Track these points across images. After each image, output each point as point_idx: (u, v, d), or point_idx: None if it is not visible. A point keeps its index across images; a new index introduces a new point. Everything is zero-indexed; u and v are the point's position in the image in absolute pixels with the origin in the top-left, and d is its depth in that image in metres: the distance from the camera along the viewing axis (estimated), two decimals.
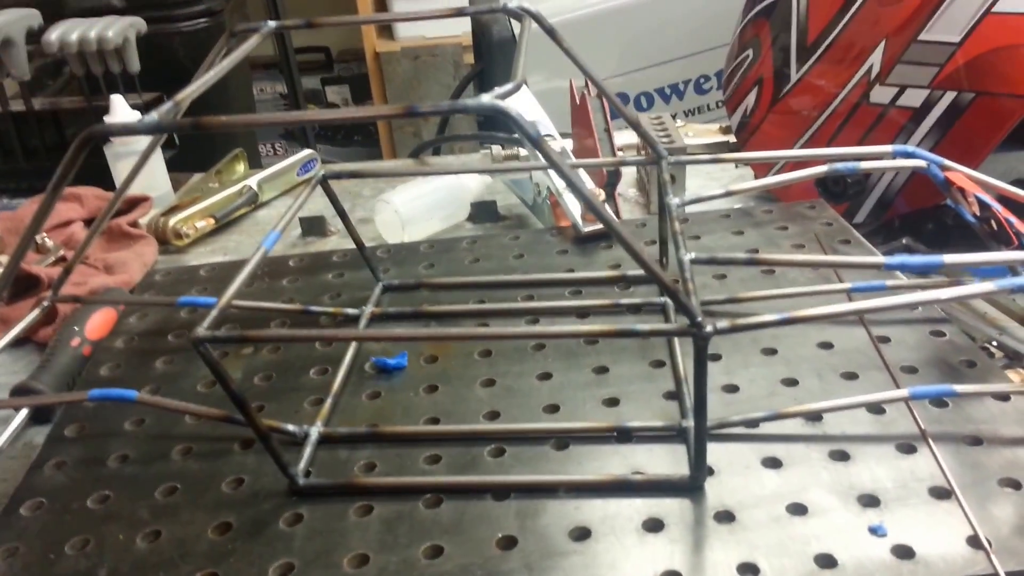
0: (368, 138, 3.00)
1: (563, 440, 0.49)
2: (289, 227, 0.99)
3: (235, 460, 0.52)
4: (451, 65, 2.76)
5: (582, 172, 0.77)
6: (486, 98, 0.37)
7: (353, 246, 0.80)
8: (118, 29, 1.04)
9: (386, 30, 2.68)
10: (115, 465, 0.53)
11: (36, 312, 0.67)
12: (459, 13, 0.59)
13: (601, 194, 0.71)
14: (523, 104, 0.85)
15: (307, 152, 1.13)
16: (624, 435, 0.49)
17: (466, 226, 0.94)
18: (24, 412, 0.68)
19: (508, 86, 0.39)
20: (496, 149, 1.05)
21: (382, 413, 0.54)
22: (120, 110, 1.01)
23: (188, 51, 1.49)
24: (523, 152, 1.04)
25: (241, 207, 1.03)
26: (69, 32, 1.05)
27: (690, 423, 0.48)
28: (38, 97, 1.22)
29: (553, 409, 0.52)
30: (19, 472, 0.63)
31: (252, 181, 1.05)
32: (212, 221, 0.99)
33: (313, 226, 0.98)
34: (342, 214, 0.67)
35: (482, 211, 0.93)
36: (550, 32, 0.54)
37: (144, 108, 1.07)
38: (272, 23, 0.56)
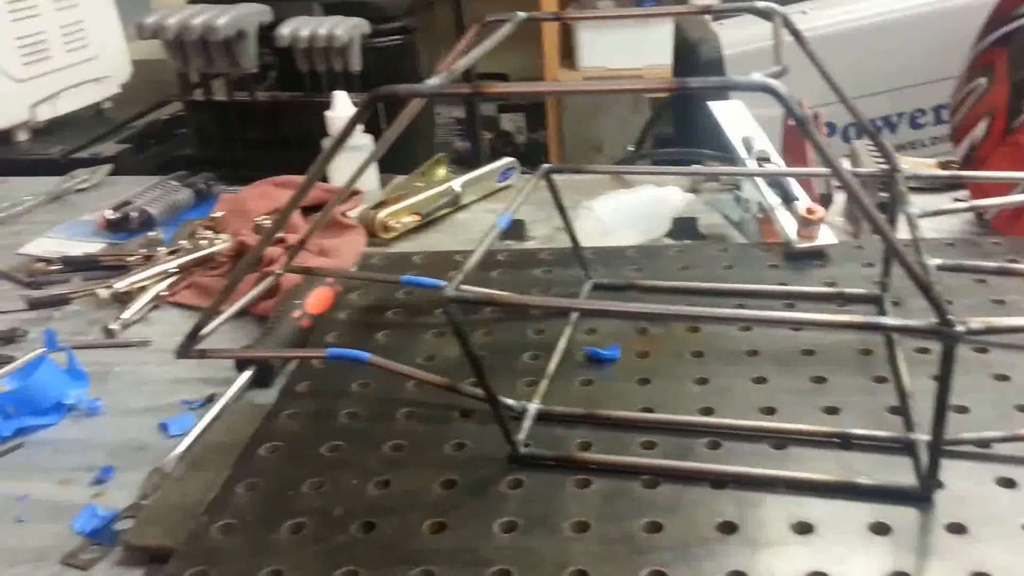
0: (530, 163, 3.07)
1: (781, 440, 0.51)
2: (486, 231, 1.06)
3: (456, 427, 0.57)
4: (630, 98, 2.80)
5: (796, 186, 0.78)
6: (756, 76, 0.40)
7: (558, 246, 0.85)
8: (346, 28, 1.13)
9: (568, 59, 2.75)
10: (345, 420, 0.58)
11: (268, 280, 0.75)
12: (707, 11, 0.62)
13: (821, 210, 0.72)
14: (740, 118, 0.87)
15: (508, 160, 1.19)
16: (846, 441, 0.51)
17: (664, 241, 0.97)
18: (248, 373, 0.75)
19: (775, 68, 0.42)
20: (698, 168, 1.07)
21: (594, 398, 0.58)
22: (342, 105, 1.10)
23: (380, 65, 1.60)
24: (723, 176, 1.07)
25: (444, 207, 1.10)
26: (301, 27, 1.15)
27: (918, 436, 0.49)
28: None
29: (769, 411, 0.54)
30: (244, 427, 0.70)
31: (455, 183, 1.12)
32: (417, 217, 1.06)
33: (513, 230, 1.03)
34: (561, 208, 0.71)
35: (683, 227, 0.95)
36: (795, 34, 0.57)
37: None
38: (522, 13, 0.60)
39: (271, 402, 0.72)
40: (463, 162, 2.73)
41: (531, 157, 3.23)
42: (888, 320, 0.42)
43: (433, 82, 0.46)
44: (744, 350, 0.61)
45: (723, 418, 0.54)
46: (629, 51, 2.49)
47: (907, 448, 0.49)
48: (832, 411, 0.54)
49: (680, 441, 0.53)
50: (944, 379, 0.42)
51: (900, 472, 0.48)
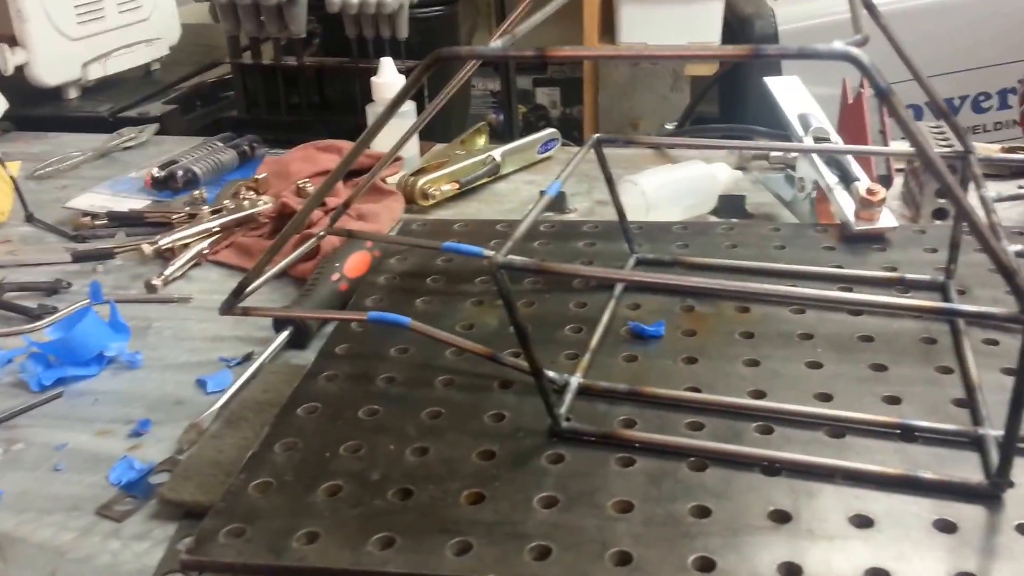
0: (573, 143, 3.04)
1: (838, 428, 0.48)
2: (526, 201, 1.02)
3: (495, 397, 0.54)
4: (670, 75, 2.74)
5: (855, 166, 0.74)
6: (838, 44, 0.37)
7: (602, 219, 0.81)
8: None
9: (608, 33, 2.69)
10: (383, 385, 0.56)
11: (310, 242, 0.72)
12: None
13: (882, 191, 0.68)
14: (797, 94, 0.83)
15: (550, 131, 1.16)
16: (908, 433, 0.47)
17: (710, 219, 0.93)
18: (285, 333, 0.73)
19: (857, 37, 0.39)
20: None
21: (639, 375, 0.55)
22: (388, 71, 1.06)
23: (421, 34, 1.56)
24: (775, 153, 1.02)
25: (483, 176, 1.06)
26: None
27: (987, 431, 0.46)
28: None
29: (825, 398, 0.51)
30: (281, 386, 0.67)
31: (496, 153, 1.09)
32: (456, 185, 1.03)
33: (554, 201, 0.99)
34: (609, 180, 0.68)
35: (729, 205, 0.92)
36: (870, 7, 0.53)
37: (407, 73, 1.12)
38: None
39: (308, 363, 0.70)
40: (496, 135, 2.70)
41: (565, 132, 3.17)
42: (964, 306, 0.38)
43: (496, 45, 0.43)
44: (798, 333, 0.57)
45: (776, 402, 0.50)
46: (674, 27, 2.42)
47: (975, 443, 0.46)
48: (893, 401, 0.50)
49: (730, 424, 0.49)
50: (1022, 372, 0.38)
51: (966, 468, 0.44)
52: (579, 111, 3.12)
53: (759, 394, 0.51)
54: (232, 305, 0.58)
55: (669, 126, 2.85)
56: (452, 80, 0.71)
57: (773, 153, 0.98)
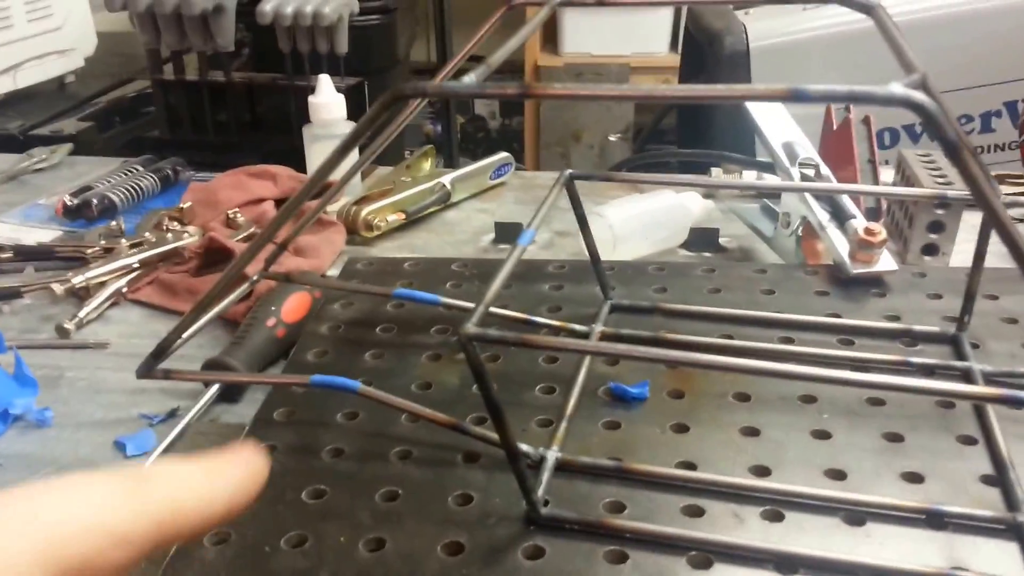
0: (512, 154, 3.01)
1: (857, 514, 0.43)
2: (479, 232, 0.97)
3: (460, 473, 0.48)
4: (614, 84, 2.71)
5: (848, 202, 0.70)
6: (896, 87, 0.32)
7: (568, 257, 0.76)
8: (334, 6, 1.04)
9: (551, 43, 2.66)
10: (329, 459, 0.49)
11: (244, 288, 0.65)
12: None
13: (883, 232, 0.64)
14: (779, 118, 0.79)
15: (503, 155, 1.11)
16: (936, 520, 0.42)
17: (679, 253, 0.89)
18: (215, 387, 0.67)
19: (914, 76, 0.34)
20: (716, 172, 0.99)
21: (623, 447, 0.49)
22: (326, 90, 1.00)
23: (359, 45, 1.50)
24: (747, 177, 0.99)
25: (432, 205, 1.01)
26: (285, 4, 1.05)
27: None
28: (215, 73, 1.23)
29: (838, 475, 0.46)
30: (209, 449, 0.61)
31: (446, 179, 1.03)
32: (403, 216, 0.97)
33: (508, 233, 0.94)
34: (581, 220, 0.63)
35: (702, 239, 0.87)
36: (885, 29, 0.48)
37: (347, 92, 1.06)
38: None
39: (241, 420, 0.64)
40: (433, 143, 2.64)
41: (505, 144, 3.14)
42: (1020, 393, 0.33)
43: (470, 80, 0.38)
44: (799, 396, 0.52)
45: (782, 482, 0.45)
46: (619, 37, 2.41)
47: (1012, 531, 0.41)
48: (914, 479, 0.45)
49: (733, 508, 0.44)
50: None
51: (1005, 562, 0.40)
52: (519, 122, 3.09)
53: (763, 471, 0.47)
54: (151, 368, 0.52)
55: (613, 138, 2.82)
56: (404, 109, 0.65)
57: (744, 179, 0.95)
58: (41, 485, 0.22)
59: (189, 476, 0.24)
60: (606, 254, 0.84)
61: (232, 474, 0.25)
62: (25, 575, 0.20)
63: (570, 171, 0.60)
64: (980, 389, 0.38)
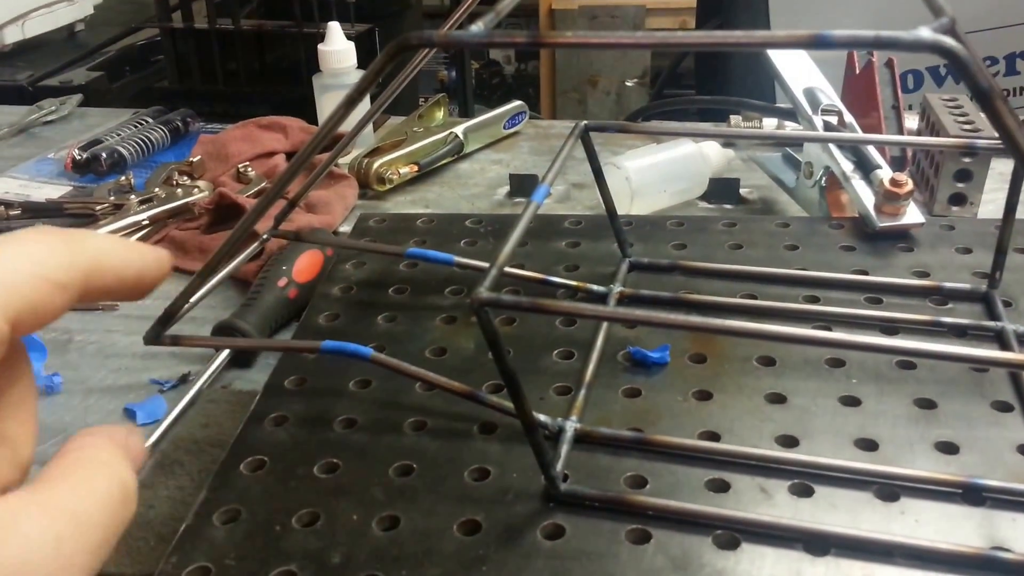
0: (527, 102, 2.97)
1: (890, 488, 0.41)
2: (493, 184, 0.94)
3: (476, 446, 0.46)
4: (631, 29, 2.65)
5: (874, 151, 0.67)
6: (925, 32, 0.29)
7: (585, 211, 0.73)
8: None
9: None
10: (341, 430, 0.48)
11: (254, 247, 0.63)
12: None
13: (909, 182, 0.61)
14: (801, 63, 0.75)
15: (516, 103, 1.07)
16: (974, 494, 0.40)
17: (699, 205, 0.85)
18: (225, 353, 0.65)
19: (943, 20, 0.31)
20: (735, 120, 0.96)
21: (644, 416, 0.47)
22: (336, 37, 0.97)
23: None
24: (767, 125, 0.95)
25: (445, 156, 0.98)
26: None
27: None
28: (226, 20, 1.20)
29: (870, 445, 0.44)
30: (222, 419, 0.59)
31: (459, 130, 1.00)
32: (415, 168, 0.94)
33: (523, 185, 0.91)
34: (597, 174, 0.60)
35: (722, 189, 0.84)
36: None
37: (356, 39, 1.02)
38: None
39: (254, 387, 0.62)
40: (448, 92, 2.59)
41: (520, 90, 3.08)
42: None
43: (478, 28, 0.35)
44: (826, 359, 0.50)
45: (811, 454, 0.43)
46: None
47: None
48: (949, 449, 0.43)
49: (760, 482, 0.42)
50: None
51: None
52: (535, 67, 3.02)
53: (790, 441, 0.44)
54: (159, 334, 0.50)
55: (630, 83, 2.76)
56: (415, 57, 0.62)
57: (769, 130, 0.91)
58: None
59: (110, 241, 0.27)
60: (623, 207, 0.81)
61: (143, 249, 0.28)
62: None
63: (585, 123, 0.57)
64: (1017, 356, 0.36)
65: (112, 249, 0.27)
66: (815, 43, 0.30)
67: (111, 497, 0.24)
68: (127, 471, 0.25)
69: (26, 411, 0.26)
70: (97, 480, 0.24)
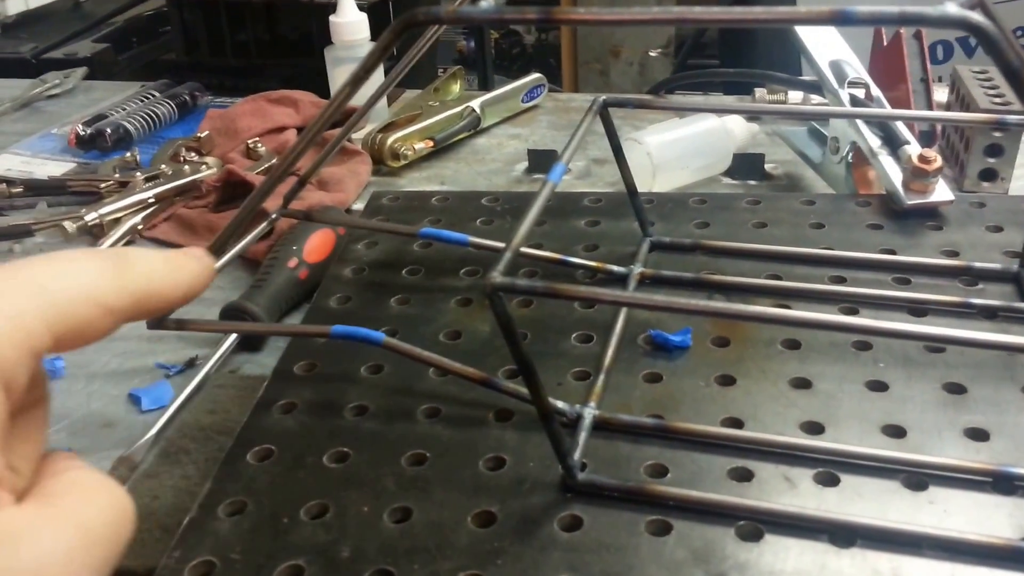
0: (548, 73, 2.94)
1: (918, 477, 0.41)
2: (511, 160, 0.94)
3: (491, 433, 0.46)
4: (652, 3, 2.63)
5: (902, 125, 0.66)
6: (952, 7, 0.28)
7: (605, 188, 0.73)
8: None
9: None
10: (352, 417, 0.48)
11: (263, 226, 0.63)
12: None
13: (938, 159, 0.60)
14: (827, 35, 0.74)
15: (535, 76, 1.06)
16: (1004, 484, 0.40)
17: (722, 181, 0.85)
18: (233, 336, 0.65)
19: None
20: (760, 93, 0.95)
21: (665, 402, 0.47)
22: (349, 9, 0.96)
23: None
24: (792, 98, 0.94)
25: (461, 131, 0.97)
26: None
27: None
28: None
29: (897, 432, 0.43)
30: (229, 405, 0.60)
31: (475, 103, 0.99)
32: (431, 143, 0.94)
33: (542, 161, 0.91)
34: (617, 151, 0.59)
35: (746, 165, 0.84)
36: None
37: (368, 10, 1.02)
38: None
39: (263, 371, 0.62)
40: (467, 64, 2.58)
41: (541, 60, 3.06)
42: None
43: (488, 4, 0.34)
44: (852, 342, 0.50)
45: (836, 441, 0.43)
46: None
47: None
48: (979, 436, 0.43)
49: (783, 470, 0.42)
50: None
51: None
52: (555, 37, 3.00)
53: (815, 428, 0.44)
54: (163, 318, 0.50)
55: (653, 53, 2.74)
56: (424, 35, 0.62)
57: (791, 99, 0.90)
58: (41, 259, 0.25)
59: (158, 262, 0.28)
60: (645, 184, 0.81)
61: (190, 266, 0.29)
62: (32, 331, 0.23)
63: (603, 97, 0.56)
64: None
65: (162, 273, 0.28)
66: (838, 19, 0.29)
67: (114, 514, 0.24)
68: (123, 490, 0.25)
69: (36, 439, 0.26)
70: (100, 497, 0.24)
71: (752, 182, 0.84)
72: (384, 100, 1.03)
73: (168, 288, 0.28)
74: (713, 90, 1.21)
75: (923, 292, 0.54)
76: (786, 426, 0.44)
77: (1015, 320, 0.51)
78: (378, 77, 0.99)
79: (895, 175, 0.63)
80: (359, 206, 0.82)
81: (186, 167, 0.88)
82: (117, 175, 0.90)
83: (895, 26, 0.30)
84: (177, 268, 0.28)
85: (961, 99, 0.79)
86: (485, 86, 1.71)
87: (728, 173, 0.84)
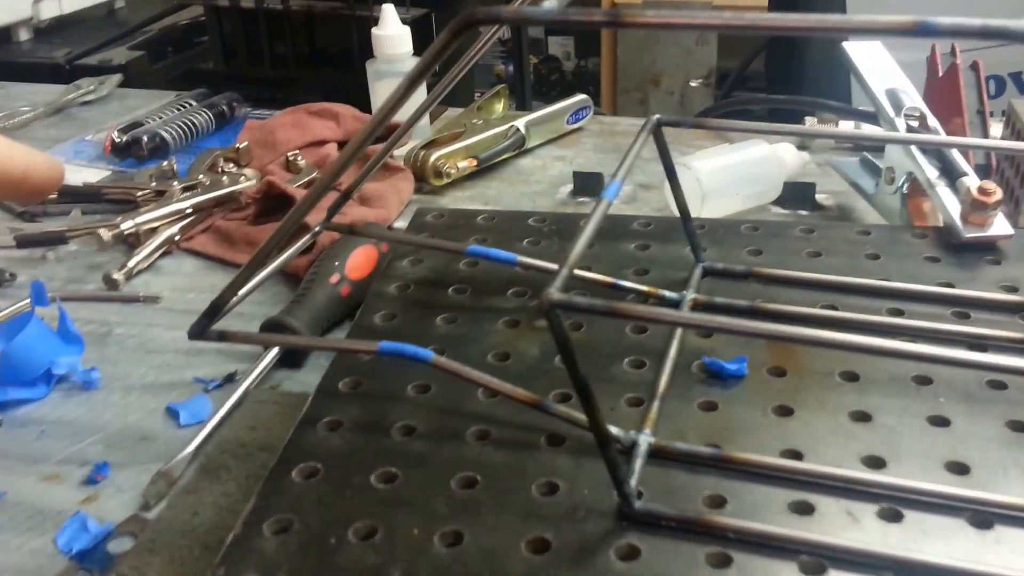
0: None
1: (983, 515, 0.41)
2: (556, 182, 0.95)
3: (544, 458, 0.46)
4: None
5: (959, 157, 0.66)
6: None
7: (653, 213, 0.73)
8: None
9: None
10: (400, 437, 0.48)
11: (305, 239, 0.64)
12: None
13: (998, 191, 0.61)
14: (882, 62, 0.74)
15: (581, 98, 1.07)
16: None
17: (772, 210, 0.85)
18: (275, 351, 0.66)
19: None
20: (811, 121, 0.95)
21: (721, 431, 0.47)
22: (391, 21, 0.98)
23: None
24: (844, 127, 0.95)
25: (506, 151, 0.98)
26: None
27: None
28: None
29: (961, 469, 0.44)
30: (270, 422, 0.60)
31: (520, 123, 1.00)
32: (474, 162, 0.95)
33: (587, 183, 0.91)
34: (670, 171, 0.60)
35: (797, 194, 0.84)
36: None
37: (412, 24, 1.03)
38: None
39: (305, 389, 0.63)
40: (506, 85, 2.59)
41: (580, 87, 3.08)
42: None
43: (551, 5, 0.35)
44: (912, 375, 0.50)
45: (899, 476, 0.43)
46: None
47: None
48: None
49: (845, 505, 0.42)
50: None
51: None
52: (595, 64, 3.02)
53: (877, 463, 0.44)
54: (205, 328, 0.51)
55: (694, 83, 2.74)
56: (476, 43, 0.63)
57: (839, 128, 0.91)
58: None
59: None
60: (694, 210, 0.81)
61: (31, 151, 0.33)
62: None
63: (657, 116, 0.57)
64: None
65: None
66: (918, 30, 0.30)
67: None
68: None
69: None
70: None
71: (803, 212, 0.84)
72: (426, 118, 1.05)
73: (2, 158, 0.32)
74: (759, 119, 1.22)
75: (983, 327, 0.54)
76: (847, 459, 0.45)
77: None
78: (420, 93, 1.00)
79: (953, 207, 0.63)
80: (401, 224, 0.83)
81: (224, 178, 0.90)
82: (154, 184, 0.91)
83: (977, 38, 0.30)
84: (13, 146, 0.33)
85: (1017, 133, 0.79)
86: (524, 109, 1.72)
87: (778, 202, 0.85)
